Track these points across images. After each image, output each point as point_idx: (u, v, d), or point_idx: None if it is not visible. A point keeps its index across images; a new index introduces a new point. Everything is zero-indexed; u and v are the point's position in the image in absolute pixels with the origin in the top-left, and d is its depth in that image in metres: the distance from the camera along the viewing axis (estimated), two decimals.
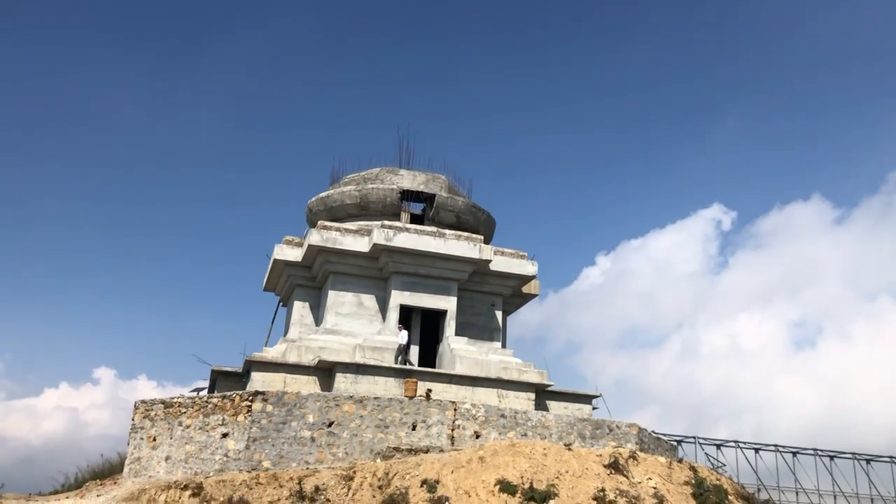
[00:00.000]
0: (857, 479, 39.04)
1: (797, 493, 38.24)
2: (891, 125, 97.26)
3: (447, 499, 18.40)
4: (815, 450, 39.57)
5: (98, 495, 19.60)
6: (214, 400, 21.32)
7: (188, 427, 20.99)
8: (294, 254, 28.39)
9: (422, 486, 18.83)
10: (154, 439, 21.13)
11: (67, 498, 19.93)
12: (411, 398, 22.55)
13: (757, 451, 38.55)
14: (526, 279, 29.32)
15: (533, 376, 26.18)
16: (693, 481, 20.73)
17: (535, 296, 31.48)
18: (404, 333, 26.03)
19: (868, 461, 39.61)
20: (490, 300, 29.27)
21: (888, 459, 40.04)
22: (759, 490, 33.22)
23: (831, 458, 39.53)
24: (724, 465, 34.06)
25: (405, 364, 25.19)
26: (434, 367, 26.66)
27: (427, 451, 21.07)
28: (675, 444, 30.89)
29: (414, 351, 27.23)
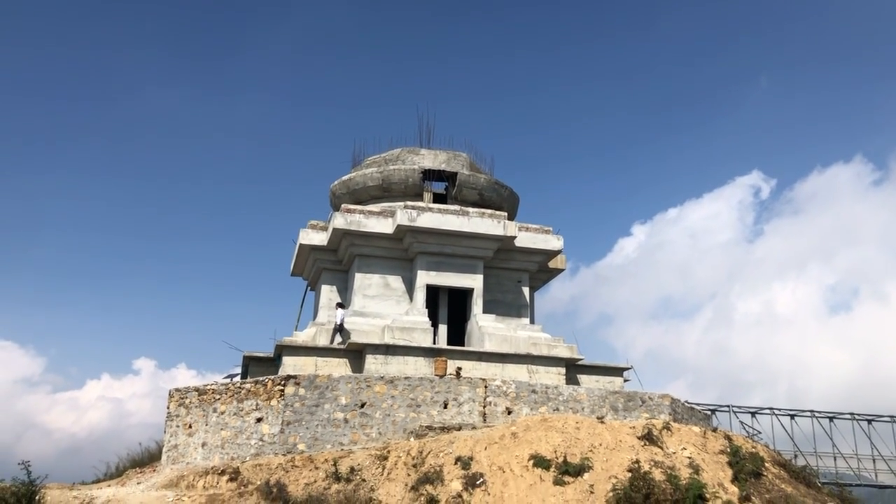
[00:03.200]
0: None
1: (835, 458, 37.85)
2: None
3: (481, 475, 18.47)
4: (852, 414, 39.12)
5: (138, 482, 19.95)
6: (247, 385, 21.55)
7: (223, 413, 21.25)
8: (319, 238, 28.49)
9: (456, 463, 18.91)
10: (190, 426, 21.42)
11: (109, 486, 20.30)
12: (441, 377, 22.61)
13: (792, 417, 38.20)
14: (552, 254, 29.16)
15: (563, 351, 26.11)
16: (728, 450, 20.58)
17: (561, 270, 31.33)
18: (340, 312, 25.96)
19: None
20: (516, 276, 29.17)
21: None
22: (795, 456, 32.96)
23: (869, 421, 39.05)
24: (760, 433, 33.81)
25: (342, 344, 25.01)
26: (463, 345, 26.69)
27: (459, 429, 21.14)
28: (708, 413, 30.71)
29: (442, 330, 27.28)
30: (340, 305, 26.77)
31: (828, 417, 38.60)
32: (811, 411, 38.45)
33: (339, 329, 25.61)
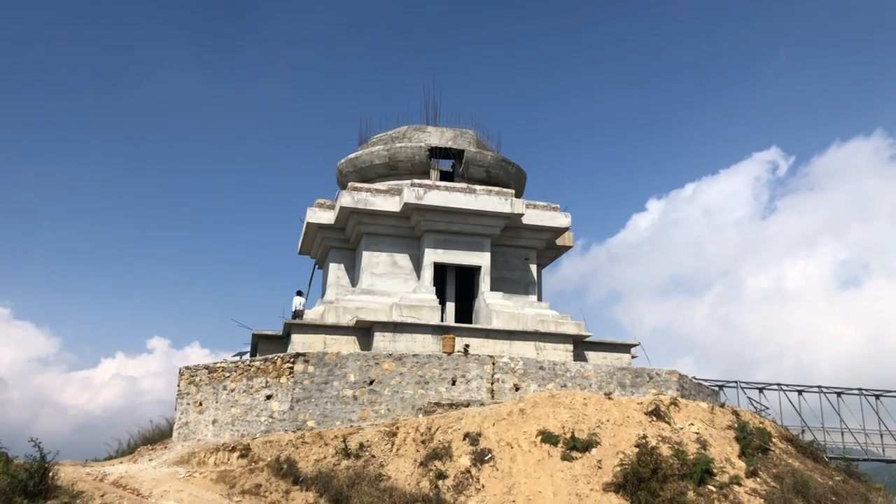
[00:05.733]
0: None
1: (842, 433, 37.94)
2: None
3: (490, 451, 18.61)
4: (859, 389, 39.12)
5: (150, 459, 20.18)
6: (257, 363, 21.70)
7: (233, 391, 21.42)
8: (326, 216, 28.51)
9: (464, 439, 19.05)
10: (200, 404, 21.62)
11: (121, 463, 20.54)
12: (449, 354, 22.71)
13: (800, 392, 38.25)
14: (559, 231, 29.12)
15: (570, 328, 26.16)
16: (736, 425, 20.67)
17: (569, 248, 31.29)
18: (297, 300, 26.69)
19: None
20: (524, 254, 29.17)
21: None
22: (803, 431, 33.06)
23: (877, 396, 39.08)
24: (767, 409, 33.95)
25: (283, 337, 25.48)
26: (470, 322, 26.76)
27: (468, 406, 21.27)
28: (716, 389, 30.77)
29: (450, 308, 27.35)
30: (300, 293, 27.20)
31: (835, 393, 38.62)
32: (819, 387, 38.49)
33: (297, 316, 26.15)
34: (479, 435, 19.17)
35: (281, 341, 26.06)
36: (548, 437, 18.87)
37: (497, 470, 18.03)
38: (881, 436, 38.52)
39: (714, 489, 17.50)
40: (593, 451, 18.59)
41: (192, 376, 22.09)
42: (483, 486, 17.54)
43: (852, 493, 19.24)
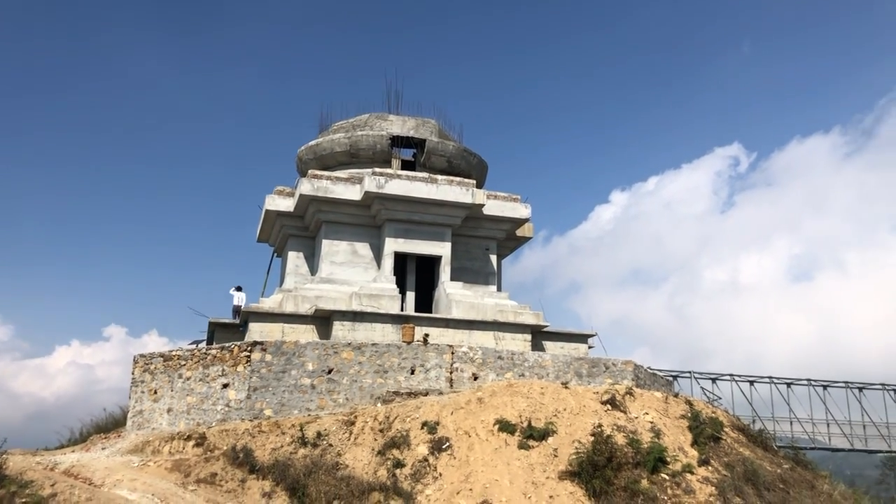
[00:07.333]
0: (850, 407, 39.79)
1: (791, 422, 38.97)
2: None
3: (447, 439, 18.70)
4: (808, 380, 40.19)
5: (103, 448, 19.84)
6: (213, 351, 21.46)
7: (188, 379, 21.16)
8: (286, 204, 28.26)
9: (422, 427, 19.11)
10: (155, 392, 21.32)
11: (73, 452, 20.16)
12: (409, 343, 22.73)
13: (752, 383, 39.14)
14: (520, 222, 29.28)
15: (529, 318, 26.36)
16: (689, 414, 21.06)
17: (529, 238, 31.50)
18: (241, 295, 26.73)
19: (860, 389, 40.30)
20: (484, 244, 29.28)
21: (880, 387, 40.74)
22: (753, 421, 33.84)
23: (824, 387, 40.17)
24: (720, 398, 34.71)
25: (242, 328, 25.42)
26: (430, 312, 26.80)
27: (426, 395, 21.33)
28: (670, 379, 31.30)
29: (410, 297, 27.36)
30: (239, 288, 27.09)
31: (785, 383, 39.63)
32: (770, 377, 39.45)
33: (236, 312, 26.07)
34: (438, 424, 19.24)
35: (238, 330, 25.82)
36: (505, 426, 19.02)
37: (454, 458, 18.13)
38: (828, 425, 39.67)
39: (667, 477, 17.83)
40: (550, 439, 18.80)
41: (147, 364, 21.76)
42: (440, 475, 17.63)
43: (799, 480, 19.77)
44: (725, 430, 21.20)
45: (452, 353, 22.59)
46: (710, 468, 18.59)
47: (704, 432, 20.12)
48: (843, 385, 40.37)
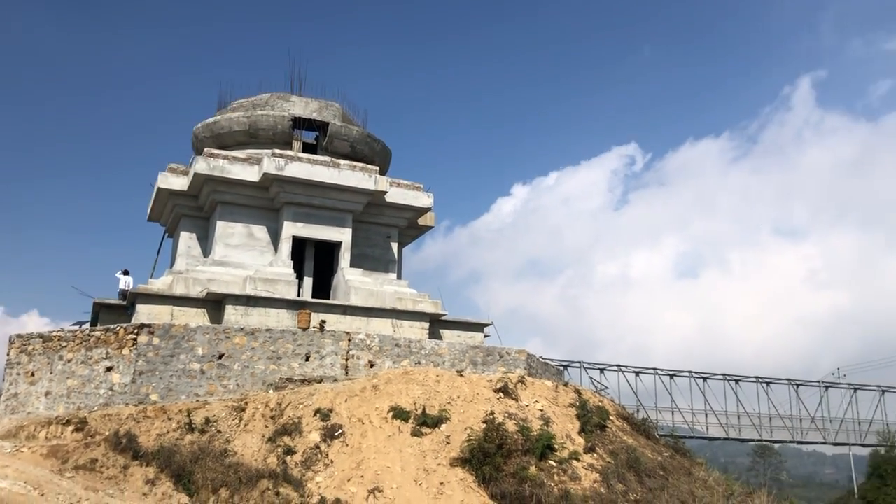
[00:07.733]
0: (727, 397, 42.13)
1: (672, 412, 40.89)
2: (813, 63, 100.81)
3: (340, 427, 18.59)
4: (690, 372, 42.24)
5: None
6: (97, 333, 20.52)
7: (69, 361, 20.16)
8: (179, 182, 27.25)
9: (315, 414, 18.92)
10: (32, 374, 20.21)
11: None
12: (305, 329, 22.43)
13: (637, 373, 40.80)
14: (422, 211, 29.33)
15: (427, 306, 26.48)
16: (577, 403, 21.72)
17: (430, 228, 31.60)
18: (128, 279, 26.25)
19: (737, 381, 42.71)
20: (385, 232, 29.18)
21: (754, 379, 43.31)
22: (638, 410, 35.29)
23: (704, 379, 42.33)
24: (607, 388, 35.98)
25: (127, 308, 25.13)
26: (328, 298, 26.51)
27: (321, 382, 21.12)
28: (561, 368, 32.23)
29: (307, 283, 26.98)
30: (126, 272, 26.41)
31: (668, 375, 41.51)
32: (654, 369, 41.24)
33: (123, 296, 25.35)
34: (331, 411, 19.10)
35: (124, 312, 24.79)
36: (399, 414, 19.08)
37: (347, 446, 18.05)
38: (706, 415, 41.86)
39: (554, 464, 18.34)
40: (443, 426, 18.99)
41: (25, 345, 20.57)
42: (332, 462, 17.52)
43: (678, 467, 20.74)
44: (611, 418, 21.99)
45: (349, 340, 22.44)
46: (595, 455, 19.24)
47: (591, 421, 20.81)
48: (721, 377, 42.65)
